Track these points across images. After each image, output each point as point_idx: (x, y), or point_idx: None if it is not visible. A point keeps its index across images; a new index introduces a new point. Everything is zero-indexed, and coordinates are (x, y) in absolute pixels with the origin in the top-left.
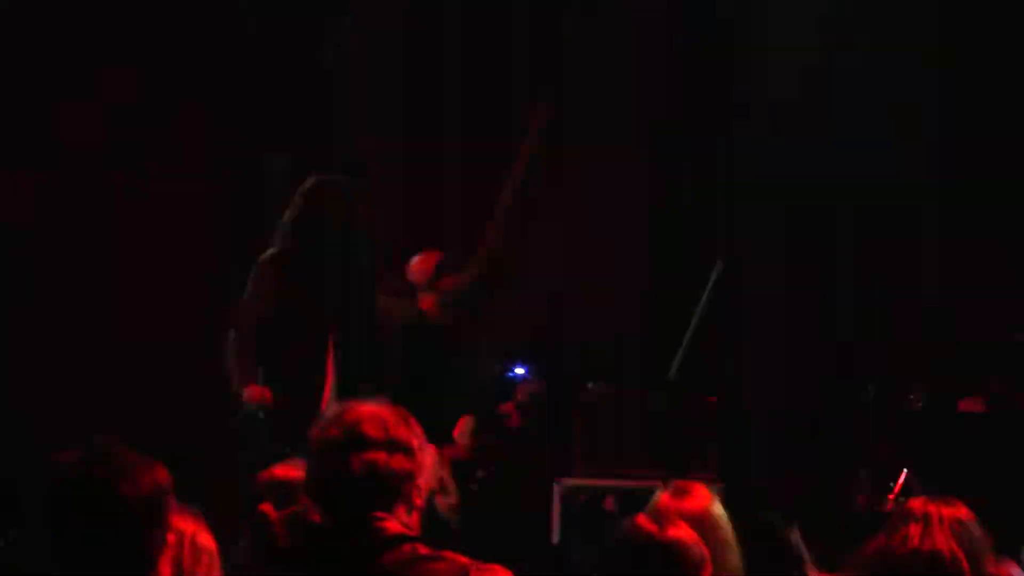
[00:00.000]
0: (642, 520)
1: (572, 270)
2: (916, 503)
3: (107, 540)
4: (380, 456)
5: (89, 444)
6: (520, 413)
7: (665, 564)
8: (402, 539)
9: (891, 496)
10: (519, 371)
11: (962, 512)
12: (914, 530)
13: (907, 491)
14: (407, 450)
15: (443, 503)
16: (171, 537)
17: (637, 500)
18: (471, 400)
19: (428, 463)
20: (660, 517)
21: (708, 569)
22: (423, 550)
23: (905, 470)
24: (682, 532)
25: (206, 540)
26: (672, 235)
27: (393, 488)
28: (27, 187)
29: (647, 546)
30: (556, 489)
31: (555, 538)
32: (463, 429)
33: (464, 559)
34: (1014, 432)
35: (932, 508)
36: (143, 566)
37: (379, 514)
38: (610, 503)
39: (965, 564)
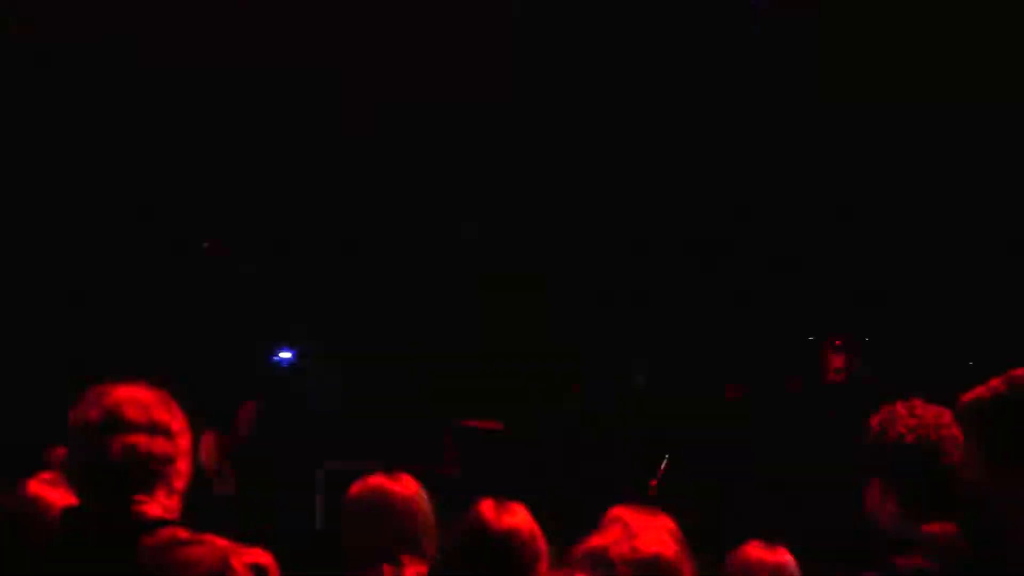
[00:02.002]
0: (483, 508)
1: None
2: (622, 511)
3: None
4: (140, 439)
5: None
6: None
7: (505, 552)
8: (162, 523)
9: (653, 482)
10: (285, 355)
11: (668, 522)
12: (636, 530)
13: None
14: (168, 433)
15: (218, 486)
16: None
17: None
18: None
19: (189, 446)
20: (499, 507)
21: (544, 560)
22: (183, 534)
23: (667, 456)
24: (523, 521)
25: None
26: None
27: (153, 471)
28: None
29: (487, 533)
30: (319, 474)
31: (318, 522)
32: (245, 416)
33: (224, 542)
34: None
35: (647, 515)
36: None
37: (139, 497)
38: None
39: (683, 565)
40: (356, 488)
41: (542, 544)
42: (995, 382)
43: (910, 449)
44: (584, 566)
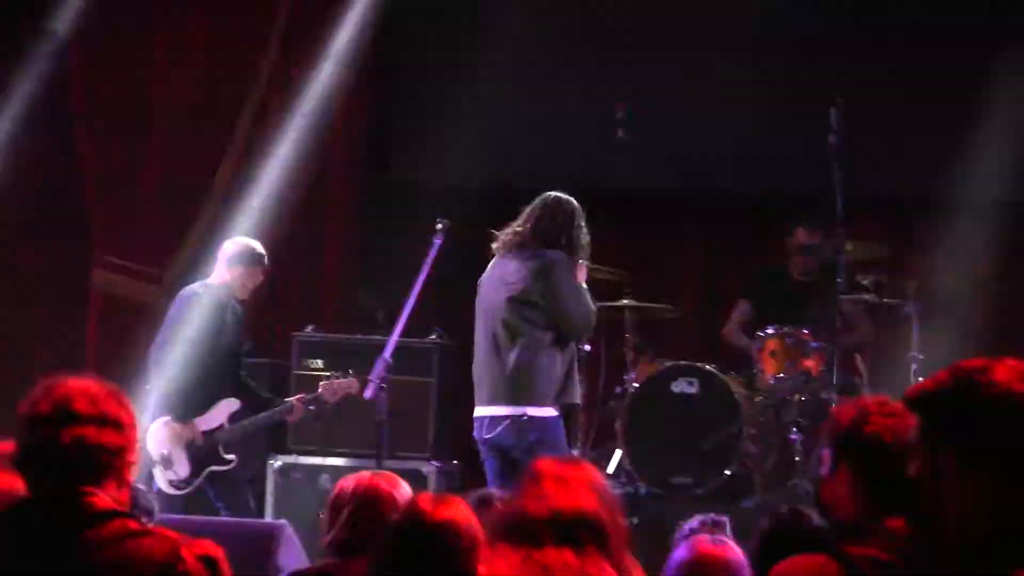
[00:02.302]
0: (419, 500)
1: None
2: (545, 464)
3: None
4: (89, 431)
5: None
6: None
7: (440, 544)
8: (111, 514)
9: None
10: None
11: (594, 474)
12: (549, 489)
13: None
14: (117, 425)
15: (164, 479)
16: None
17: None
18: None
19: (138, 439)
20: (436, 498)
21: (479, 551)
22: (133, 525)
23: None
24: (456, 513)
25: None
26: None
27: (103, 463)
28: None
29: (420, 525)
30: (270, 466)
31: (269, 514)
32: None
33: (174, 535)
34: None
35: (566, 468)
36: None
37: (88, 488)
38: (325, 480)
39: (606, 518)
40: (344, 483)
41: (479, 536)
42: (942, 374)
43: (887, 448)
44: (504, 534)
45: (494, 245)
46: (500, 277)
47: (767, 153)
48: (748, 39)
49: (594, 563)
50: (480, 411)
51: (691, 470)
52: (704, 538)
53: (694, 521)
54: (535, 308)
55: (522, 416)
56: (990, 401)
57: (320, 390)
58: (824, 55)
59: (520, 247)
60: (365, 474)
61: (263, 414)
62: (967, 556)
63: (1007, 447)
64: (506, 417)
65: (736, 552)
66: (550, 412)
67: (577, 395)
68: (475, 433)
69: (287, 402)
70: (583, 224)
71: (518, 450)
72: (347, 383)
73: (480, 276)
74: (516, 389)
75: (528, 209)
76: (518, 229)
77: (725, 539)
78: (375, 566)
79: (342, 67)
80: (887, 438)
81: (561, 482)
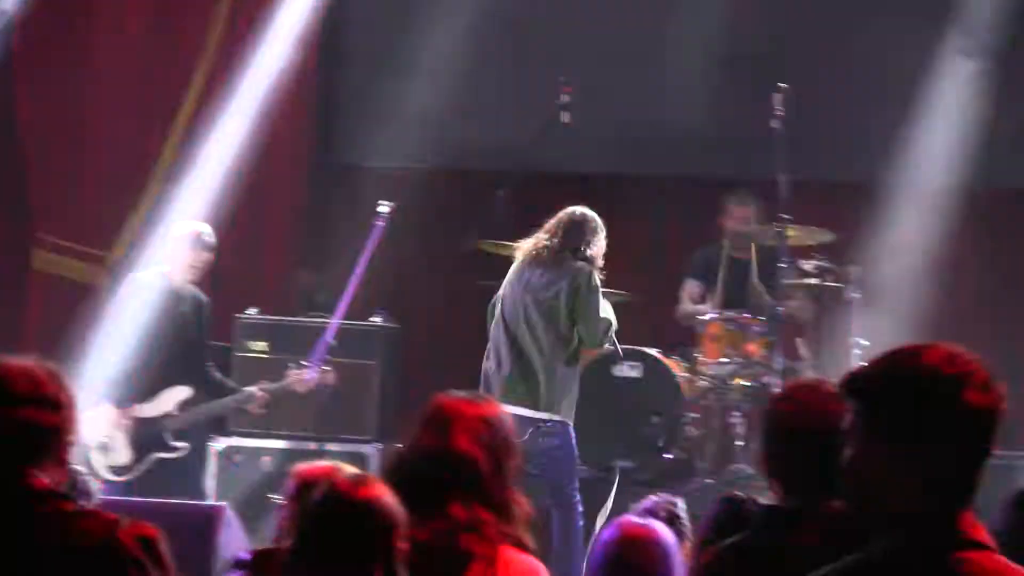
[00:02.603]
0: (339, 480)
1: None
2: (435, 405)
3: None
4: (28, 411)
5: None
6: None
7: (359, 523)
8: (49, 495)
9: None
10: None
11: (489, 410)
12: (431, 432)
13: None
14: (56, 405)
15: (103, 464)
16: None
17: (294, 460)
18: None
19: (77, 421)
20: (356, 477)
21: (399, 530)
22: (69, 507)
23: None
24: (379, 492)
25: None
26: None
27: (41, 443)
28: None
29: (342, 504)
30: (212, 449)
31: (210, 496)
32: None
33: (111, 516)
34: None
35: (452, 409)
36: None
37: (27, 470)
38: (266, 462)
39: (485, 460)
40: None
41: (400, 515)
42: (874, 360)
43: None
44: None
45: (518, 254)
46: (527, 285)
47: (711, 138)
48: (692, 24)
49: (463, 507)
50: None
51: (633, 454)
52: (630, 519)
53: (647, 502)
54: (563, 319)
55: (547, 422)
56: (918, 386)
57: (288, 379)
58: (768, 40)
59: (548, 258)
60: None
61: (217, 401)
62: (899, 539)
63: (935, 431)
64: (528, 419)
65: (663, 533)
66: (568, 420)
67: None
68: None
69: (246, 391)
70: (603, 238)
71: (533, 454)
72: (320, 375)
73: (503, 281)
74: (546, 393)
75: (555, 221)
76: (547, 242)
77: (651, 520)
78: (295, 547)
79: (286, 51)
80: (798, 419)
81: (443, 424)
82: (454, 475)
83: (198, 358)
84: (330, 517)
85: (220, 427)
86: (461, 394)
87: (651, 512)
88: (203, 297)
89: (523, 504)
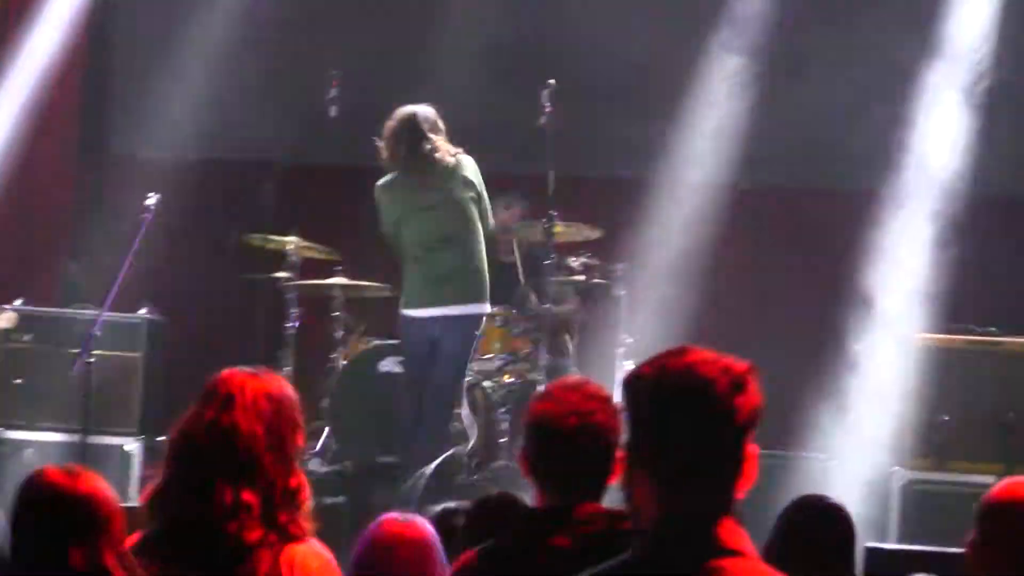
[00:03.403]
0: (51, 472)
1: None
2: (215, 381)
3: None
4: None
5: None
6: None
7: (75, 516)
8: None
9: None
10: None
11: (274, 385)
12: (210, 410)
13: None
14: None
15: None
16: None
17: (55, 452)
18: None
19: None
20: (71, 470)
21: (118, 521)
22: None
23: None
24: (94, 485)
25: None
26: None
27: None
28: None
29: (56, 498)
30: None
31: None
32: None
33: None
34: None
35: (233, 385)
36: None
37: None
38: (30, 455)
39: (263, 438)
40: None
41: (115, 506)
42: (646, 361)
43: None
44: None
45: None
46: None
47: (479, 132)
48: (459, 18)
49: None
50: None
51: (398, 450)
52: (392, 516)
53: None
54: None
55: None
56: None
57: None
58: (534, 36)
59: None
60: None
61: None
62: (656, 546)
63: (698, 433)
64: None
65: (426, 529)
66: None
67: None
68: None
69: None
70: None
71: None
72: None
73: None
74: None
75: None
76: None
77: (414, 516)
78: (13, 539)
79: (56, 40)
80: (558, 419)
81: (223, 402)
82: (228, 455)
83: None
84: (43, 507)
85: None
86: (246, 369)
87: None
88: None
89: (306, 488)
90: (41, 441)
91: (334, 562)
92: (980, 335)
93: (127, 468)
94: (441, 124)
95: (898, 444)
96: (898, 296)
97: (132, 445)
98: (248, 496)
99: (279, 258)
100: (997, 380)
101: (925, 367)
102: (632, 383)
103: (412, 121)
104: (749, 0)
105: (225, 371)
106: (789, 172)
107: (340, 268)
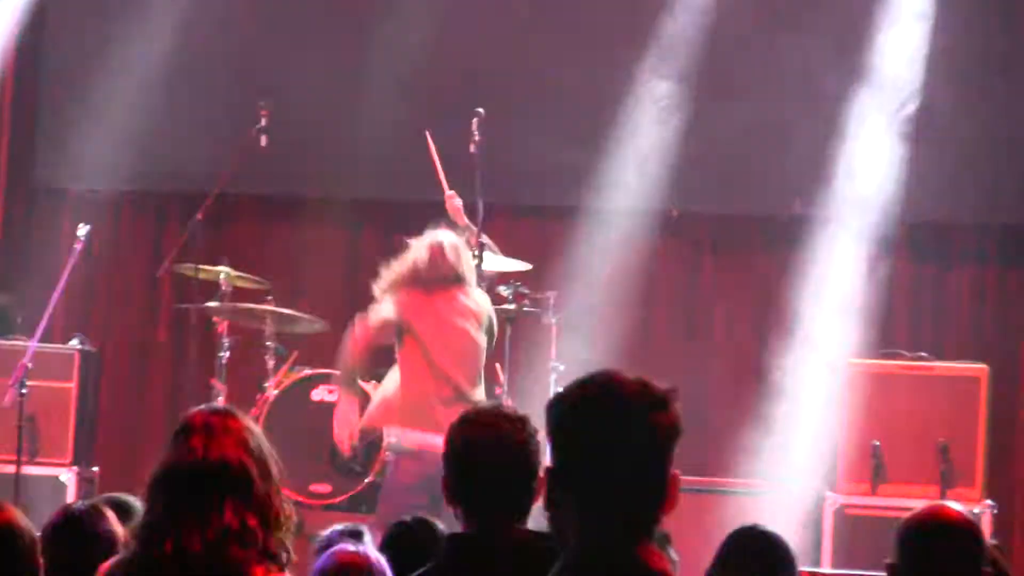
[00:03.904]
0: None
1: None
2: (195, 416)
3: None
4: None
5: None
6: None
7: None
8: None
9: None
10: None
11: (248, 419)
12: (197, 441)
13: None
14: None
15: None
16: None
17: None
18: None
19: None
20: None
21: (36, 551)
22: None
23: None
24: (12, 516)
25: None
26: None
27: None
28: None
29: None
30: None
31: None
32: None
33: None
34: None
35: (215, 419)
36: None
37: None
38: None
39: (254, 468)
40: None
41: (33, 535)
42: (570, 385)
43: (512, 459)
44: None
45: None
46: None
47: (408, 160)
48: (389, 49)
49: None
50: None
51: (330, 478)
52: (345, 546)
53: (332, 531)
54: None
55: None
56: (607, 412)
57: None
58: (465, 68)
59: None
60: None
61: None
62: (580, 570)
63: (622, 456)
64: None
65: (376, 558)
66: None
67: None
68: None
69: None
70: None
71: None
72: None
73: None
74: None
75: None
76: None
77: (364, 545)
78: None
79: None
80: (478, 446)
81: (208, 433)
82: (226, 481)
83: None
84: None
85: None
86: (217, 407)
87: (334, 540)
88: None
89: (291, 514)
90: None
91: None
92: (910, 359)
93: (61, 498)
94: None
95: (830, 470)
96: (829, 321)
97: (66, 475)
98: (252, 521)
99: (210, 288)
100: (928, 404)
101: (856, 392)
102: (554, 404)
103: None
104: (677, 25)
105: (200, 410)
106: (718, 197)
107: (270, 297)
